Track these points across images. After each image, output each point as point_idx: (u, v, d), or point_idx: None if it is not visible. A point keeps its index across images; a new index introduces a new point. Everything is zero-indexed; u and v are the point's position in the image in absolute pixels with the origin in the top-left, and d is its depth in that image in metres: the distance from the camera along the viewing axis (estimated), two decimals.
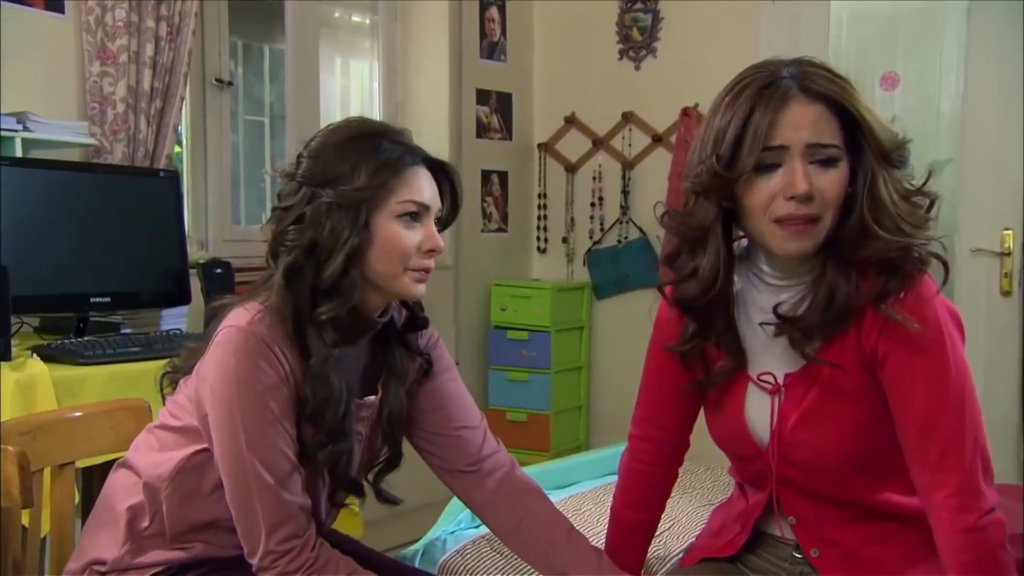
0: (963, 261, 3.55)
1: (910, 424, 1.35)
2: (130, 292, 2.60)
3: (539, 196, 4.43)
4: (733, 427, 1.49)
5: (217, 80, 3.32)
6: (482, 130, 4.23)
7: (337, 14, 4.09)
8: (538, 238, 4.45)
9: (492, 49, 4.26)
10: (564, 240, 4.38)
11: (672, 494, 1.67)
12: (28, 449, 1.53)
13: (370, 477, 1.60)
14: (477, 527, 2.07)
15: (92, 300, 2.49)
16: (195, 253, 3.06)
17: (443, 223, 1.51)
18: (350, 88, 4.17)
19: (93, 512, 1.56)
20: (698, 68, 3.83)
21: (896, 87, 4.15)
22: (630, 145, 4.22)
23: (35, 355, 2.17)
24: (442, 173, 1.51)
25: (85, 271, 2.49)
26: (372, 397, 1.54)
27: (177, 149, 3.17)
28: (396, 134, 1.47)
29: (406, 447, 1.62)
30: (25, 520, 1.57)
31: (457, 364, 1.70)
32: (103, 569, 1.48)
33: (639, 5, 4.16)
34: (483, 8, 4.20)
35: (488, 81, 4.24)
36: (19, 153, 2.47)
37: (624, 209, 4.22)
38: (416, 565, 1.97)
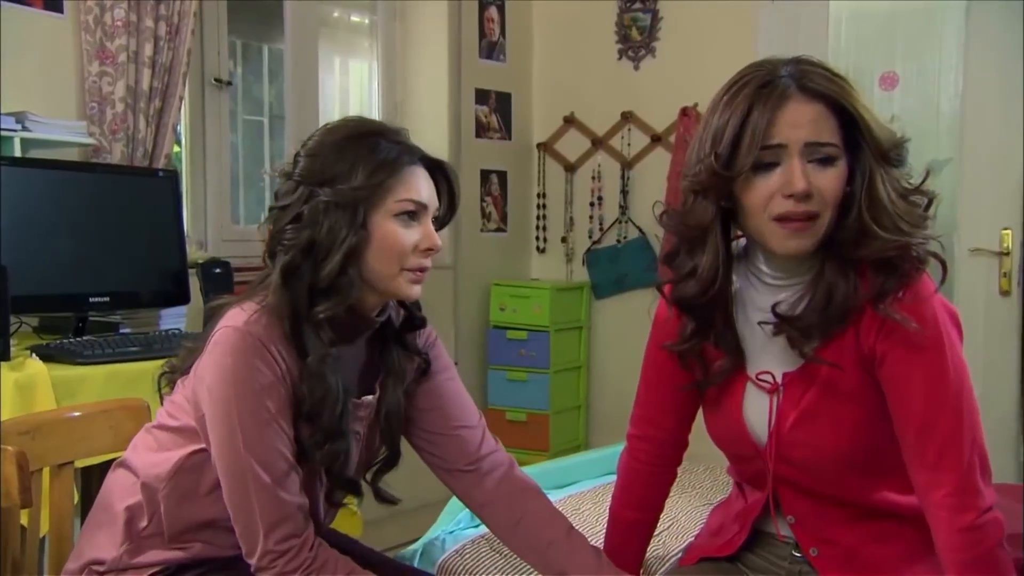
0: (962, 261, 3.55)
1: (908, 423, 1.35)
2: (129, 292, 2.60)
3: (538, 196, 4.43)
4: (731, 426, 1.49)
5: (216, 80, 3.32)
6: (481, 130, 4.23)
7: (336, 14, 4.09)
8: (537, 238, 4.45)
9: (491, 49, 4.26)
10: (563, 240, 4.38)
11: (671, 494, 1.67)
12: (27, 449, 1.53)
13: (368, 477, 1.60)
14: (476, 527, 2.07)
15: (91, 300, 2.49)
16: (194, 253, 3.06)
17: (440, 222, 1.52)
18: (349, 88, 4.17)
19: (91, 512, 1.56)
20: (697, 68, 3.83)
21: (895, 87, 4.16)
22: (629, 145, 4.22)
23: (34, 355, 2.17)
24: (439, 172, 1.51)
25: (84, 271, 2.49)
26: (370, 397, 1.54)
27: (176, 149, 3.17)
28: (394, 133, 1.47)
29: (405, 447, 1.62)
30: (24, 520, 1.57)
31: (456, 364, 1.70)
32: (101, 569, 1.48)
33: (638, 5, 4.16)
34: (482, 8, 4.20)
35: (487, 81, 4.24)
36: (18, 153, 2.47)
37: (623, 209, 4.22)
38: (415, 565, 1.97)
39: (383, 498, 1.60)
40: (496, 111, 4.29)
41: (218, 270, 2.71)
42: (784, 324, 1.39)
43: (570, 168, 4.36)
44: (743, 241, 1.47)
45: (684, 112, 3.94)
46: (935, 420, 1.33)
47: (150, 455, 1.49)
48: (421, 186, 1.45)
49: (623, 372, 3.34)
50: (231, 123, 3.46)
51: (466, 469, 1.62)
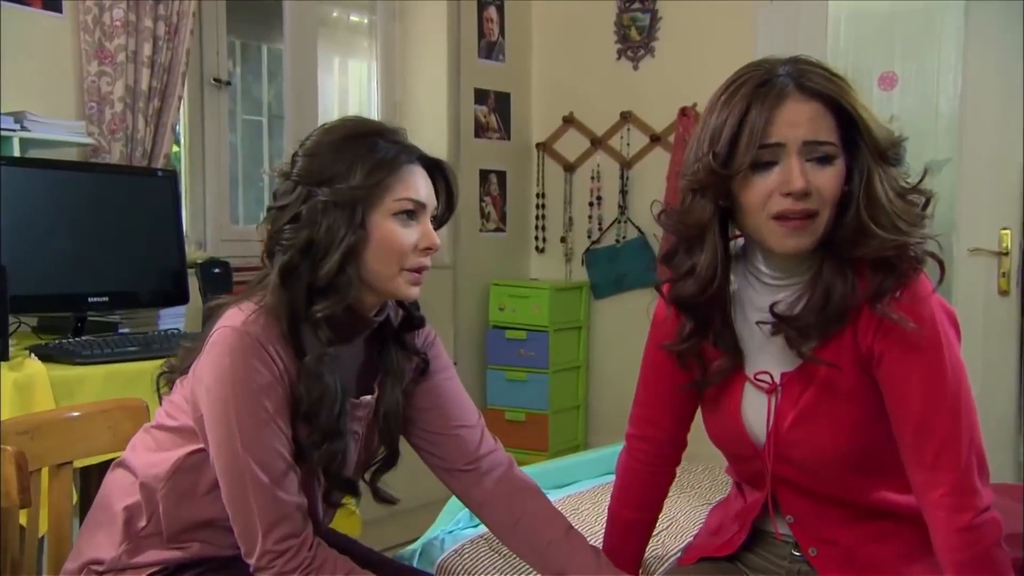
0: (961, 261, 3.55)
1: (906, 423, 1.35)
2: (128, 292, 2.60)
3: (537, 196, 4.43)
4: (730, 426, 1.49)
5: (215, 80, 3.32)
6: (480, 130, 4.23)
7: (335, 14, 4.09)
8: (536, 238, 4.45)
9: (490, 49, 4.26)
10: (562, 240, 4.38)
11: (670, 493, 1.67)
12: (26, 449, 1.53)
13: (367, 476, 1.60)
14: (475, 527, 2.07)
15: (90, 300, 2.49)
16: (193, 253, 3.06)
17: (439, 221, 1.52)
18: (348, 88, 4.17)
19: (90, 512, 1.56)
20: (696, 68, 3.83)
21: (894, 87, 4.16)
22: (628, 145, 4.22)
23: (33, 355, 2.17)
24: (437, 171, 1.51)
25: (83, 271, 2.49)
26: (368, 396, 1.54)
27: (175, 149, 3.17)
28: (392, 133, 1.47)
29: (404, 446, 1.62)
30: (23, 520, 1.57)
31: (455, 364, 1.70)
32: (100, 569, 1.48)
33: (637, 5, 4.16)
34: (481, 8, 4.20)
35: (486, 81, 4.24)
36: (17, 153, 2.47)
37: (622, 209, 4.22)
38: (414, 565, 1.97)
39: (382, 498, 1.60)
40: (495, 111, 4.28)
41: (217, 270, 2.71)
42: (782, 324, 1.39)
43: (569, 168, 4.36)
44: (741, 241, 1.47)
45: (683, 112, 3.94)
46: (933, 420, 1.33)
47: (149, 455, 1.49)
48: (419, 185, 1.45)
49: (622, 372, 3.34)
50: (230, 123, 3.46)
51: (465, 469, 1.62)
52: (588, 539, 1.61)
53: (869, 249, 1.34)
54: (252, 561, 1.38)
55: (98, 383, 2.16)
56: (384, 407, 1.54)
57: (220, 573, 1.49)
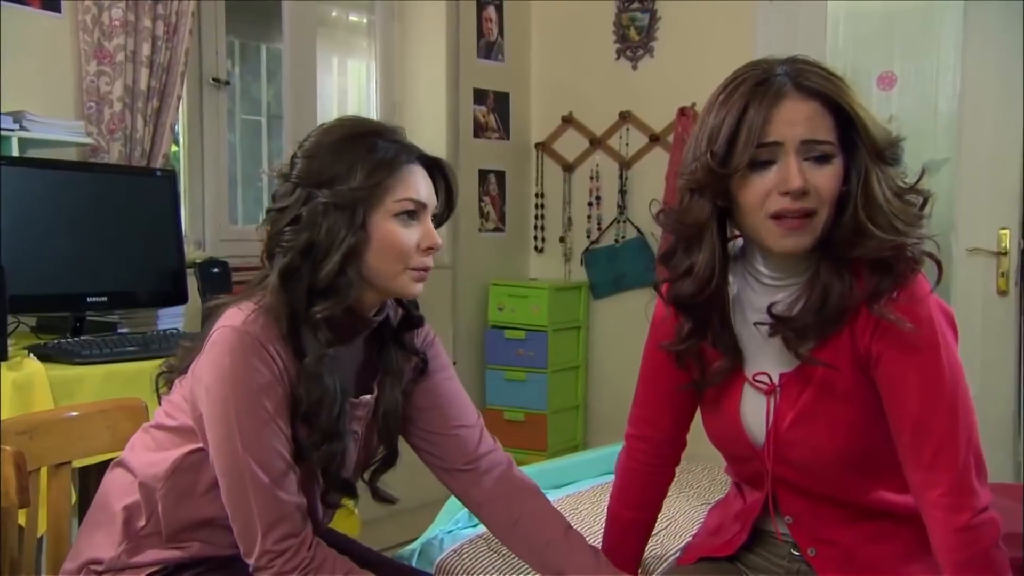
0: (960, 261, 3.55)
1: (904, 424, 1.35)
2: (127, 292, 2.60)
3: (536, 196, 4.43)
4: (729, 427, 1.49)
5: (214, 79, 3.32)
6: (479, 130, 4.23)
7: (334, 13, 4.09)
8: (535, 237, 4.45)
9: (489, 49, 4.26)
10: (561, 240, 4.38)
11: (669, 493, 1.67)
12: (25, 449, 1.53)
13: (366, 476, 1.60)
14: (475, 526, 2.07)
15: (89, 300, 2.49)
16: (192, 252, 3.06)
17: (438, 220, 1.51)
18: (347, 88, 4.17)
19: (89, 512, 1.56)
20: (695, 67, 3.83)
21: (893, 87, 4.16)
22: (627, 144, 4.22)
23: (32, 355, 2.17)
24: (437, 170, 1.51)
25: (82, 270, 2.49)
26: (367, 396, 1.53)
27: (174, 148, 3.17)
28: (390, 132, 1.47)
29: (403, 446, 1.62)
30: (22, 520, 1.57)
31: (454, 364, 1.70)
32: (100, 569, 1.48)
33: (636, 5, 4.16)
34: (480, 8, 4.20)
35: (485, 81, 4.24)
36: (16, 152, 2.47)
37: (621, 208, 4.22)
38: (413, 564, 1.97)
39: (381, 497, 1.60)
40: (494, 111, 4.28)
41: (216, 270, 2.71)
42: (780, 325, 1.39)
43: (568, 168, 4.36)
44: (740, 241, 1.47)
45: (682, 112, 3.94)
46: (930, 420, 1.33)
47: (148, 455, 1.49)
48: (420, 185, 1.45)
49: (621, 372, 3.34)
50: (229, 123, 3.46)
51: (464, 468, 1.62)
52: (587, 539, 1.61)
53: (866, 250, 1.34)
54: (251, 561, 1.38)
55: (97, 383, 2.16)
56: (383, 407, 1.54)
57: (219, 573, 1.49)
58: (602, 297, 4.28)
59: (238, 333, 1.37)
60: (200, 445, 1.43)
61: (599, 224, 4.27)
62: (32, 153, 2.55)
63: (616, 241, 4.24)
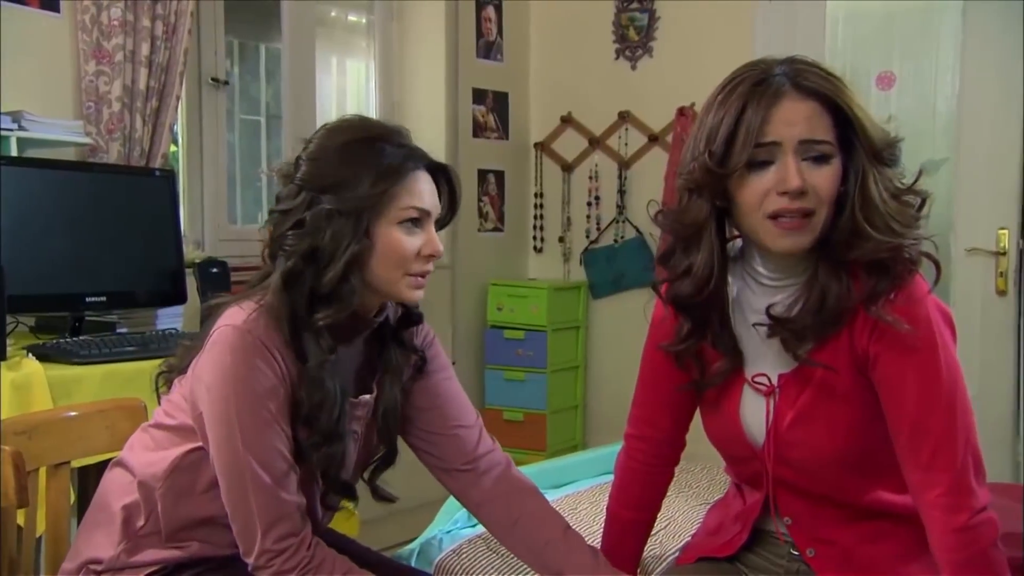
0: (958, 261, 3.55)
1: (902, 424, 1.35)
2: (126, 291, 2.60)
3: (535, 195, 4.43)
4: (729, 428, 1.49)
5: (213, 79, 3.32)
6: (478, 129, 4.23)
7: (333, 13, 4.08)
8: (534, 237, 4.44)
9: (488, 49, 4.26)
10: (560, 239, 4.38)
11: (668, 493, 1.67)
12: (24, 449, 1.53)
13: (366, 475, 1.60)
14: (474, 526, 2.07)
15: (88, 299, 2.49)
16: (191, 252, 3.06)
17: (439, 224, 1.51)
18: (346, 88, 4.17)
19: (88, 511, 1.56)
20: (694, 67, 3.83)
21: (892, 87, 4.16)
22: (626, 144, 4.22)
23: (31, 355, 2.17)
24: (441, 175, 1.50)
25: (81, 270, 2.49)
26: (367, 396, 1.53)
27: (173, 148, 3.17)
28: (397, 136, 1.45)
29: (402, 446, 1.62)
30: (21, 520, 1.57)
31: (454, 364, 1.70)
32: (99, 568, 1.48)
33: (635, 5, 4.16)
34: (479, 7, 4.20)
35: (484, 80, 4.24)
36: (15, 152, 2.47)
37: (620, 208, 4.22)
38: (412, 564, 1.97)
39: (381, 496, 1.60)
40: (493, 111, 4.28)
41: (215, 270, 2.71)
42: (778, 326, 1.39)
43: (567, 168, 4.36)
44: (739, 242, 1.47)
45: (681, 112, 3.94)
46: (928, 421, 1.33)
47: (147, 454, 1.49)
48: (425, 192, 1.45)
49: (620, 372, 3.34)
50: (228, 123, 3.46)
51: (463, 468, 1.62)
52: (586, 539, 1.62)
53: (864, 252, 1.34)
54: (251, 560, 1.38)
55: (96, 383, 2.16)
56: (383, 406, 1.54)
57: (219, 572, 1.49)
58: (601, 297, 4.28)
59: (240, 332, 1.37)
60: (199, 444, 1.43)
61: (598, 224, 4.27)
62: (31, 153, 2.55)
63: (615, 241, 4.24)
